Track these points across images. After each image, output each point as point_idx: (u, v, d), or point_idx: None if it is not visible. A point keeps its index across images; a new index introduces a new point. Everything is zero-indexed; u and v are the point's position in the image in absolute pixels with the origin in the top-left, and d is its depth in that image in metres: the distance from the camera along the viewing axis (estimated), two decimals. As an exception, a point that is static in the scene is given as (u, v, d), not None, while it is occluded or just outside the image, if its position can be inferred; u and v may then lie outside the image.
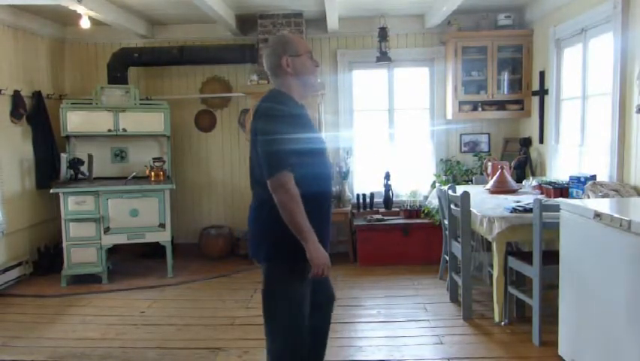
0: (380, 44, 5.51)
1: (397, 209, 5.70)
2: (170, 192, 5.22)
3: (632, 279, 2.36)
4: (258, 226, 2.26)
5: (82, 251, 4.94)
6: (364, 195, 5.80)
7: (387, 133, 6.05)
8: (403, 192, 5.83)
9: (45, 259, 5.30)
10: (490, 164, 5.00)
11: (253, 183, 2.28)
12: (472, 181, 5.50)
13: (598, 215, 2.62)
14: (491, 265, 3.85)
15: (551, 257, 3.22)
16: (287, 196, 2.05)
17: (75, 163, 5.24)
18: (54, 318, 4.12)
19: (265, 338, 2.29)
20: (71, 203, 4.90)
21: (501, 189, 4.52)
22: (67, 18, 5.34)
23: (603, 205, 2.86)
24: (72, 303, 4.47)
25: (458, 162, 5.89)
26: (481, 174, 5.45)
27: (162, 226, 5.11)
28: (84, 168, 5.29)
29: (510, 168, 5.01)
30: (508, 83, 5.55)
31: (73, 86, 6.09)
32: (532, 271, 3.36)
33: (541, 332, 3.35)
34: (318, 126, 5.31)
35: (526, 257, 3.49)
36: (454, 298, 4.25)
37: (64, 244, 4.93)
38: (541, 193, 4.28)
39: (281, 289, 2.22)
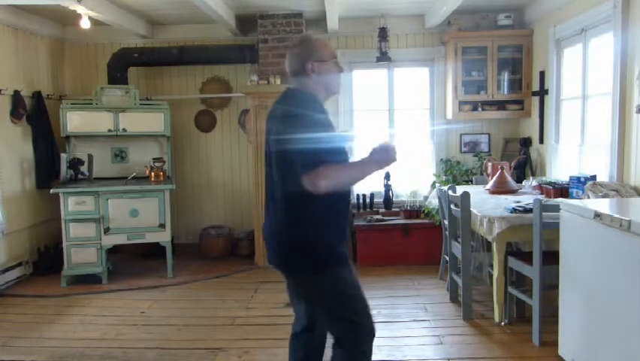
0: (380, 44, 5.51)
1: (397, 209, 5.70)
2: (170, 193, 5.21)
3: (632, 279, 2.36)
4: (289, 236, 2.14)
5: (82, 251, 4.94)
6: (364, 195, 5.80)
7: (387, 133, 6.05)
8: (403, 192, 5.83)
9: (45, 259, 5.30)
10: (490, 164, 5.00)
11: (275, 190, 2.16)
12: (472, 181, 5.50)
13: (598, 215, 2.62)
14: (491, 265, 3.85)
15: (551, 257, 3.22)
16: (329, 180, 1.97)
17: (75, 163, 5.24)
18: (54, 318, 4.12)
19: (338, 338, 2.20)
20: (71, 203, 4.90)
21: (501, 189, 4.52)
22: (67, 18, 5.34)
23: (603, 205, 2.86)
24: (72, 303, 4.47)
25: (458, 162, 5.89)
26: (481, 174, 5.45)
27: (162, 226, 5.11)
28: (84, 168, 5.29)
29: (510, 168, 5.01)
30: (508, 83, 5.54)
31: (73, 86, 6.09)
32: (532, 271, 3.36)
33: (541, 332, 3.35)
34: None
35: (526, 257, 3.49)
36: (454, 299, 4.25)
37: (64, 245, 4.92)
38: (541, 193, 4.29)
39: (342, 292, 2.15)
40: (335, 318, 2.20)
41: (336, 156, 2.12)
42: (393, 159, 2.10)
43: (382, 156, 2.09)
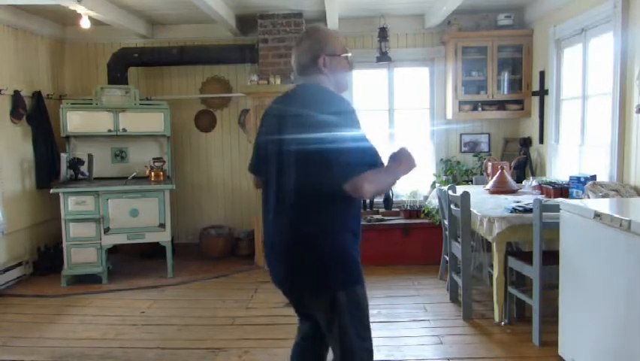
0: (380, 44, 5.51)
1: (397, 209, 5.69)
2: (170, 192, 5.21)
3: (632, 279, 2.36)
4: (319, 252, 1.98)
5: (82, 251, 4.94)
6: (364, 195, 5.78)
7: (387, 133, 6.05)
8: (403, 192, 5.83)
9: (45, 259, 5.30)
10: (490, 164, 5.00)
11: (298, 192, 1.94)
12: (472, 181, 5.50)
13: (598, 215, 2.62)
14: (491, 265, 3.85)
15: (551, 257, 3.22)
16: (373, 183, 1.86)
17: (75, 163, 5.24)
18: (54, 318, 4.12)
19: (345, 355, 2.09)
20: (71, 203, 4.90)
21: (501, 189, 4.52)
22: (67, 18, 5.34)
23: (603, 205, 2.86)
24: (72, 303, 4.47)
25: (458, 162, 5.89)
26: (481, 174, 5.45)
27: (162, 226, 5.11)
28: (84, 168, 5.29)
29: (510, 168, 5.01)
30: (508, 83, 5.54)
31: (73, 86, 6.09)
32: (532, 271, 3.36)
33: (541, 332, 3.35)
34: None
35: (526, 257, 3.49)
36: (454, 298, 4.25)
37: (64, 244, 4.92)
38: (541, 193, 4.29)
39: (363, 308, 2.09)
40: (341, 338, 2.06)
41: (377, 159, 1.96)
42: (415, 165, 2.04)
43: (407, 162, 2.01)
